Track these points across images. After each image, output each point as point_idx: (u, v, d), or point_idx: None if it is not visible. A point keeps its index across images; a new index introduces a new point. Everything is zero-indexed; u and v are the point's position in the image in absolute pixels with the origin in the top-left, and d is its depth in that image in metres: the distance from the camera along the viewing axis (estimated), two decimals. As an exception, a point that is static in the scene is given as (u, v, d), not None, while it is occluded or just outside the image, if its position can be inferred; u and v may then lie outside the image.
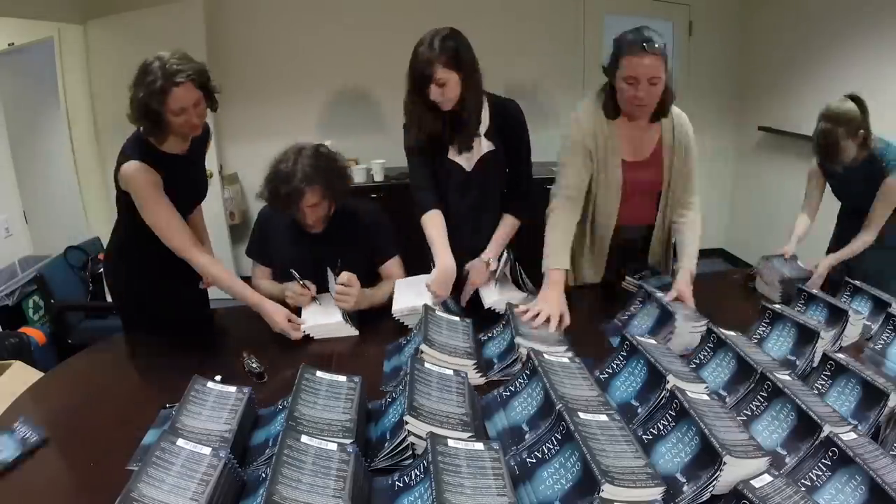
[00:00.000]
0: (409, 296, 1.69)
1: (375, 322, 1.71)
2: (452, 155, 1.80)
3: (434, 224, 1.76)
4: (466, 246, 1.81)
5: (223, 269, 1.69)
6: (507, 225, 1.85)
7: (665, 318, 1.52)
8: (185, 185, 1.72)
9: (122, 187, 1.62)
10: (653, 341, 1.39)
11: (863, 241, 2.12)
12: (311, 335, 1.67)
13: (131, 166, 1.55)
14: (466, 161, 1.80)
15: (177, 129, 1.56)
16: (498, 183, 1.86)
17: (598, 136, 1.74)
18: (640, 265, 1.94)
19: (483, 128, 1.77)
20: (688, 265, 1.74)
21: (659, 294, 1.61)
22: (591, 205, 1.84)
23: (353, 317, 1.72)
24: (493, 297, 1.72)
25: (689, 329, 1.48)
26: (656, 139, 1.78)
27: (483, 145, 1.79)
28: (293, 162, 1.68)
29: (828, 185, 2.32)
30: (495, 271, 1.79)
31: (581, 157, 1.75)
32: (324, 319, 1.68)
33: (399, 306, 1.67)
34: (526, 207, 1.86)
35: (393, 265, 1.91)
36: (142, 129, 1.58)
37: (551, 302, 1.61)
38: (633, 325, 1.59)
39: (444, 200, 1.82)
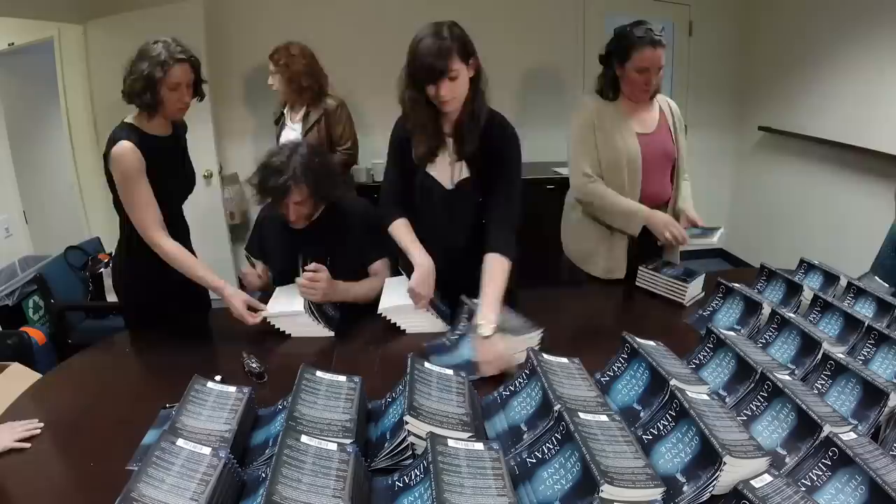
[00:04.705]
0: (397, 294, 1.68)
1: (373, 322, 1.70)
2: (433, 170, 1.66)
3: (404, 229, 1.67)
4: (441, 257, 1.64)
5: (188, 255, 1.72)
6: (499, 273, 1.49)
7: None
8: (171, 167, 1.76)
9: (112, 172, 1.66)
10: (652, 343, 1.39)
11: None
12: (278, 327, 1.66)
13: (123, 145, 1.61)
14: (448, 179, 1.66)
15: (169, 105, 1.65)
16: (473, 207, 1.65)
17: (603, 114, 1.91)
18: (656, 255, 2.01)
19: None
20: (687, 200, 2.00)
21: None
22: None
23: (330, 318, 1.69)
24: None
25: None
26: (657, 114, 1.98)
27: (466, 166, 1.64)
28: (287, 157, 1.69)
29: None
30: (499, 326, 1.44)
31: (593, 135, 1.90)
32: (285, 308, 1.66)
33: (385, 304, 1.66)
34: (514, 243, 1.56)
35: (380, 266, 1.86)
36: (136, 104, 1.65)
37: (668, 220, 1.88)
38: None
39: (420, 216, 1.70)
